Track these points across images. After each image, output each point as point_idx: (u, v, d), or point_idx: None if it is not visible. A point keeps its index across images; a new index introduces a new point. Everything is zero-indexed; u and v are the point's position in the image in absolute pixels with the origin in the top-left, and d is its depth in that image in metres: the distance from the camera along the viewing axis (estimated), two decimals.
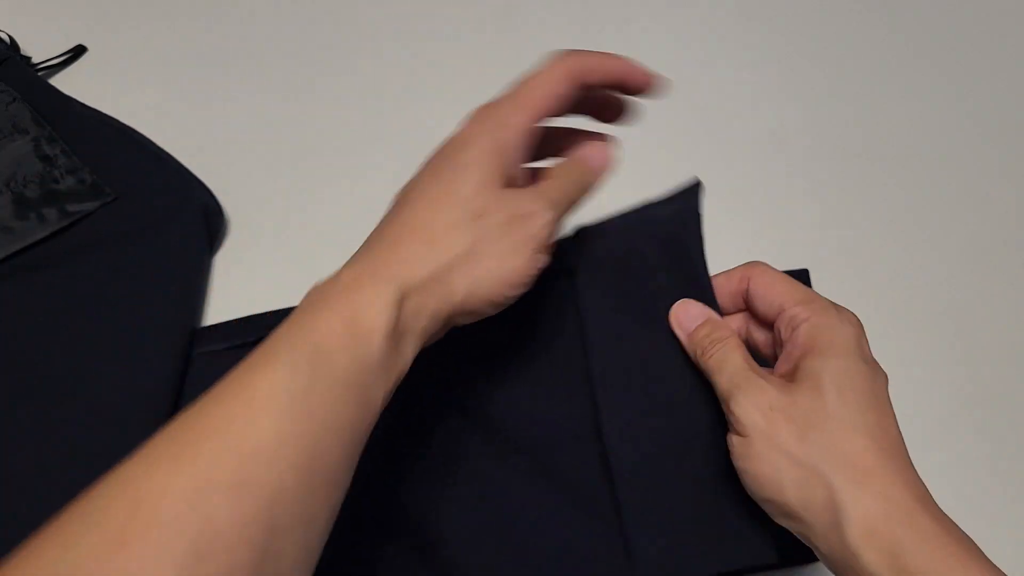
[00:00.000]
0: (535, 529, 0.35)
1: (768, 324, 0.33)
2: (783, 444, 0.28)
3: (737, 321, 0.35)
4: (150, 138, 0.52)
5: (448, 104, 0.59)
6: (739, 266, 0.34)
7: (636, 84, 0.33)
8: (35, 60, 0.56)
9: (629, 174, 0.56)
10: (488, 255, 0.28)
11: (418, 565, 0.35)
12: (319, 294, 0.27)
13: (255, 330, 0.45)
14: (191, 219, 0.48)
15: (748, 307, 0.34)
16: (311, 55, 0.59)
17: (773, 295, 0.32)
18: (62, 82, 0.56)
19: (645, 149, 0.55)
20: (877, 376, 0.30)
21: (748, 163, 0.55)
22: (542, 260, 0.30)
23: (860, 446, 0.27)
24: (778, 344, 0.32)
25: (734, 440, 0.30)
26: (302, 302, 0.27)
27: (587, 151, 0.34)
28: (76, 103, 0.52)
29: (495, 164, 0.29)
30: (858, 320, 0.31)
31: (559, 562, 0.34)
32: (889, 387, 0.33)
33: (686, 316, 0.34)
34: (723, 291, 0.34)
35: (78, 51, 0.58)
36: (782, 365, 0.31)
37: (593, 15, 0.62)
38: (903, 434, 0.30)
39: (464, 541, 0.35)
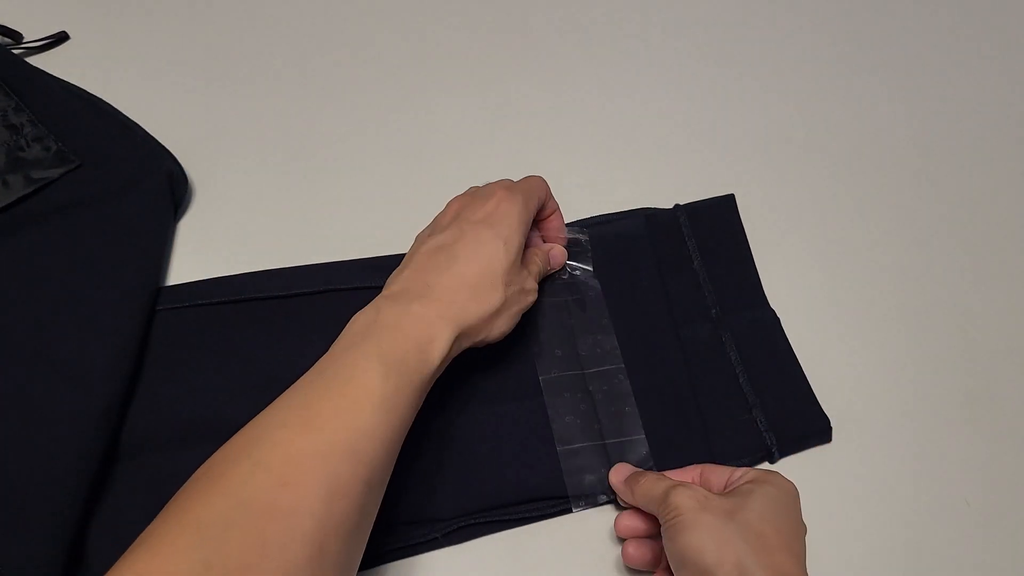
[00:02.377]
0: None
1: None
2: (709, 521, 0.36)
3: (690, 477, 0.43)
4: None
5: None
6: (694, 466, 0.43)
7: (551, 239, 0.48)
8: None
9: (626, 174, 0.55)
10: (505, 315, 0.41)
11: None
12: (394, 319, 0.37)
13: (214, 291, 0.48)
14: (156, 185, 0.49)
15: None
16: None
17: (723, 471, 0.41)
18: (40, 66, 0.57)
19: (643, 150, 0.55)
20: (795, 501, 0.39)
21: (746, 163, 0.56)
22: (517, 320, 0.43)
23: (769, 531, 0.36)
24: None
25: (667, 524, 0.37)
26: (379, 320, 0.37)
27: (554, 252, 0.48)
28: (44, 74, 0.52)
29: (521, 243, 0.42)
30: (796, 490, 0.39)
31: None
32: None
33: (616, 473, 0.43)
34: (681, 477, 0.42)
35: (60, 38, 0.59)
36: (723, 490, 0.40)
37: (592, 16, 0.63)
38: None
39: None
